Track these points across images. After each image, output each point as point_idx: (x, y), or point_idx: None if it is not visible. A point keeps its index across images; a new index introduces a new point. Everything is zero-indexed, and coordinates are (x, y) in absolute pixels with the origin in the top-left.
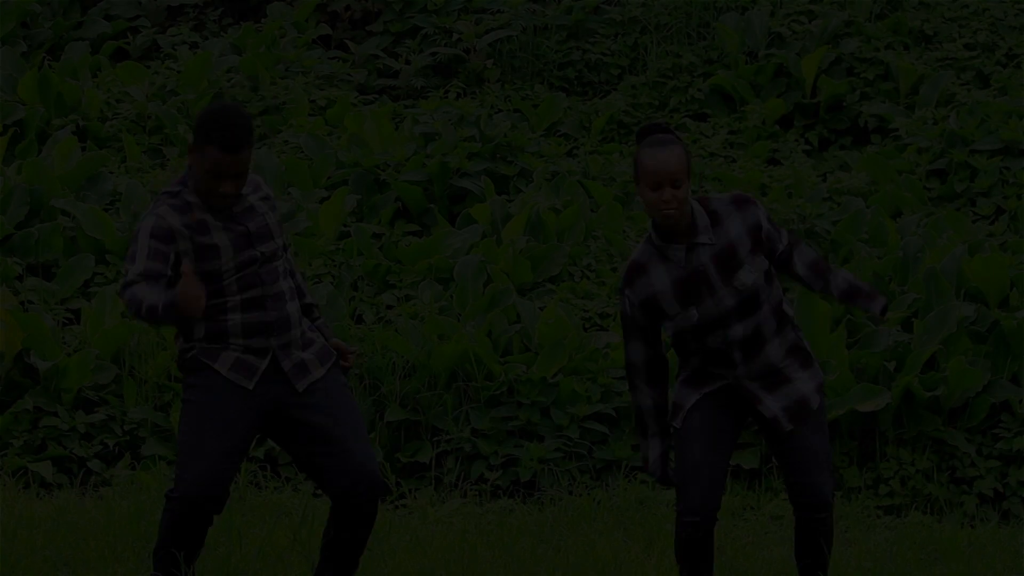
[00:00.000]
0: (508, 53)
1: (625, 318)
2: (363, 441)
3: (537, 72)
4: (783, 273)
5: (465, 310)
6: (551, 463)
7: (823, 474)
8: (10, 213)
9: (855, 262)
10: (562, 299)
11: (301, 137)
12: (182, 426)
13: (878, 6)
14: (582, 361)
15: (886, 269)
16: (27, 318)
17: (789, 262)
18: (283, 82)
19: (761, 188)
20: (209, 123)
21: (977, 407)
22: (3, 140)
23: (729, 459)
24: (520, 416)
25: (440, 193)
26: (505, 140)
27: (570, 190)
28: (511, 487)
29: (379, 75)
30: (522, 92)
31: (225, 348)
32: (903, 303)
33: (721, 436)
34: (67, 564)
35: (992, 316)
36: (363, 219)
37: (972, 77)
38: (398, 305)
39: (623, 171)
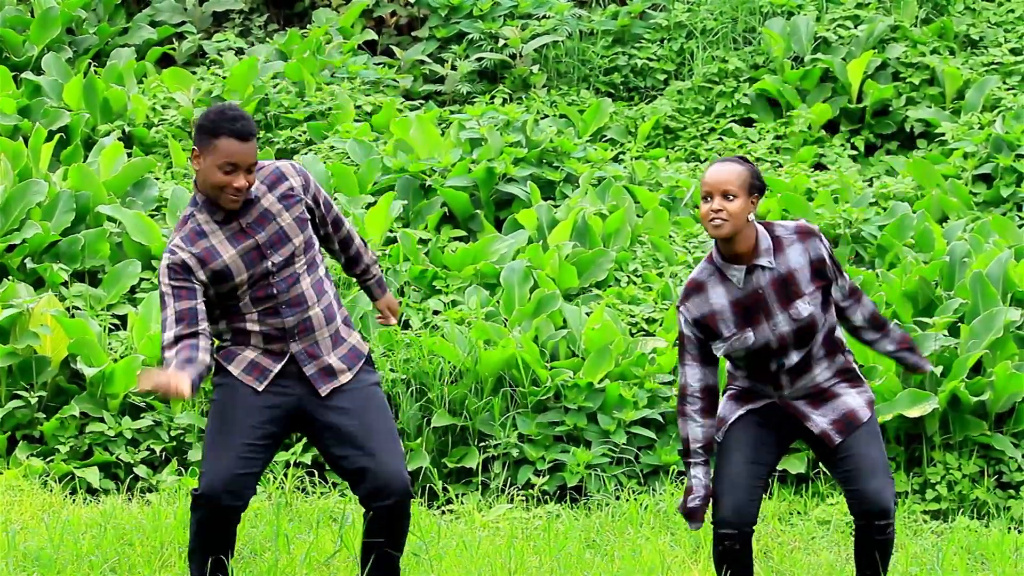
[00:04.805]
0: (554, 58)
1: (682, 337)
2: (390, 444)
3: (583, 77)
4: (839, 319)
5: (512, 316)
6: (598, 468)
7: (881, 480)
8: (56, 219)
9: (901, 267)
10: (608, 304)
11: (347, 143)
12: (206, 426)
13: (924, 11)
14: (629, 366)
15: (932, 274)
16: (73, 324)
17: (847, 311)
18: (329, 88)
19: (807, 193)
20: (214, 119)
21: (1023, 412)
22: (49, 146)
23: (770, 474)
24: (567, 421)
25: (486, 199)
26: (551, 145)
27: (616, 195)
28: (558, 492)
29: (425, 81)
30: (568, 97)
31: (244, 349)
32: (949, 308)
33: (762, 449)
34: (113, 570)
35: None
36: (409, 225)
37: (1018, 82)
38: (445, 311)
39: (669, 176)
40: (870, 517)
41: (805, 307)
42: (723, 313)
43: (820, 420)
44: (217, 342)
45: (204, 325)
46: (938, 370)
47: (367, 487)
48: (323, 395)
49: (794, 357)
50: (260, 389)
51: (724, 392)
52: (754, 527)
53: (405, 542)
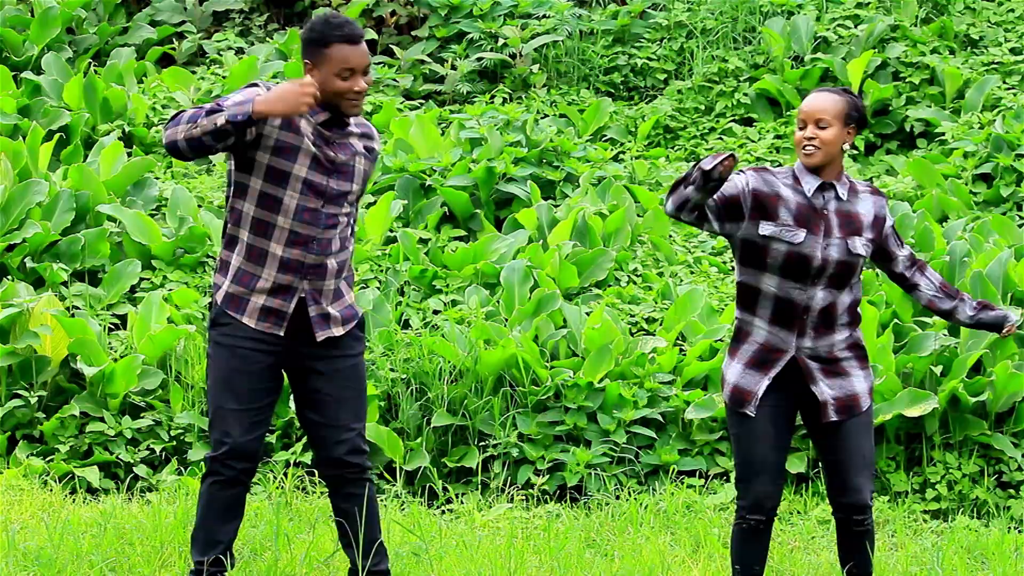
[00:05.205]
0: (554, 58)
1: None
2: (357, 421)
3: (583, 77)
4: (907, 292)
5: (512, 315)
6: (598, 468)
7: (864, 476)
8: (56, 219)
9: None
10: (608, 304)
11: None
12: (211, 384)
13: (924, 10)
14: (628, 366)
15: None
16: (73, 324)
17: (912, 279)
18: None
19: None
20: (321, 28)
21: (1023, 411)
22: (49, 146)
23: (789, 449)
24: (567, 421)
25: (486, 198)
26: (551, 145)
27: (616, 195)
28: (558, 492)
29: (425, 80)
30: (568, 97)
31: (251, 293)
32: None
33: (783, 430)
34: (113, 570)
35: None
36: (409, 224)
37: (1018, 81)
38: (445, 310)
39: (669, 176)
40: (848, 511)
41: (859, 246)
42: (786, 204)
43: (826, 390)
44: (220, 254)
45: None
46: (938, 370)
47: (323, 454)
48: (319, 340)
49: (820, 297)
50: (282, 333)
51: (738, 356)
52: (777, 509)
53: (375, 521)
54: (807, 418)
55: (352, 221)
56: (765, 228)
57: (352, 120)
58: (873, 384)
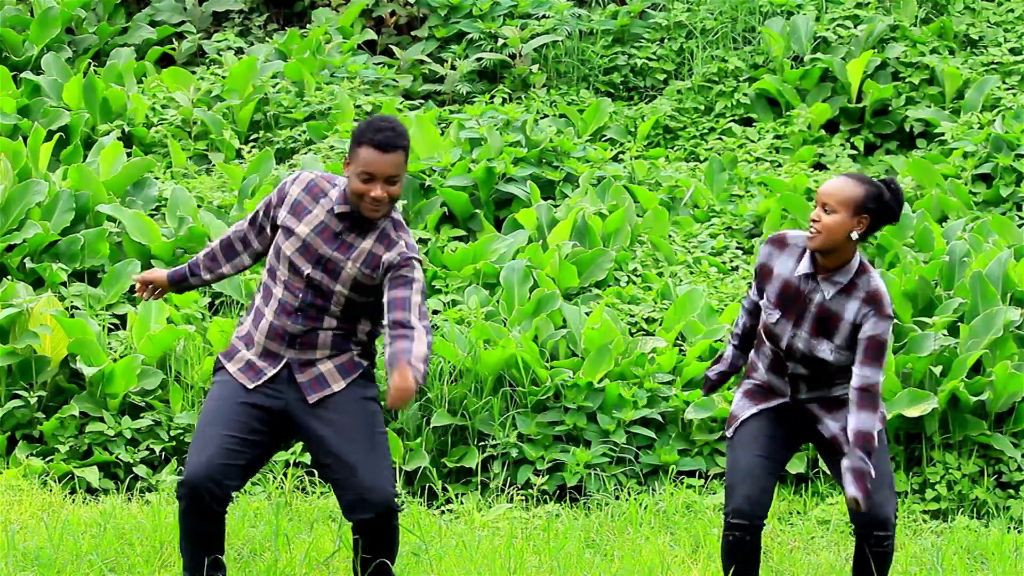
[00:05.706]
0: (554, 58)
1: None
2: (373, 460)
3: (583, 77)
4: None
5: (511, 315)
6: (597, 468)
7: (884, 493)
8: (56, 219)
9: (901, 267)
10: (608, 304)
11: (347, 143)
12: (200, 416)
13: (923, 11)
14: (628, 366)
15: (932, 274)
16: (73, 324)
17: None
18: (328, 88)
19: (807, 193)
20: (363, 128)
21: (1023, 411)
22: (48, 146)
23: (781, 468)
24: (566, 421)
25: (486, 198)
26: (551, 145)
27: (616, 195)
28: (557, 492)
29: (424, 80)
30: (568, 97)
31: (247, 347)
32: (949, 308)
33: (774, 444)
34: (113, 570)
35: None
36: (409, 225)
37: (1018, 81)
38: (444, 310)
39: (669, 176)
40: (869, 528)
41: (826, 351)
42: (775, 281)
43: (832, 424)
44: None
45: (239, 247)
46: (938, 370)
47: (346, 499)
48: (311, 403)
49: (801, 367)
50: (250, 387)
51: (740, 387)
52: (765, 520)
53: (395, 557)
54: (826, 457)
55: (359, 323)
56: (764, 296)
57: (387, 231)
58: (885, 414)
